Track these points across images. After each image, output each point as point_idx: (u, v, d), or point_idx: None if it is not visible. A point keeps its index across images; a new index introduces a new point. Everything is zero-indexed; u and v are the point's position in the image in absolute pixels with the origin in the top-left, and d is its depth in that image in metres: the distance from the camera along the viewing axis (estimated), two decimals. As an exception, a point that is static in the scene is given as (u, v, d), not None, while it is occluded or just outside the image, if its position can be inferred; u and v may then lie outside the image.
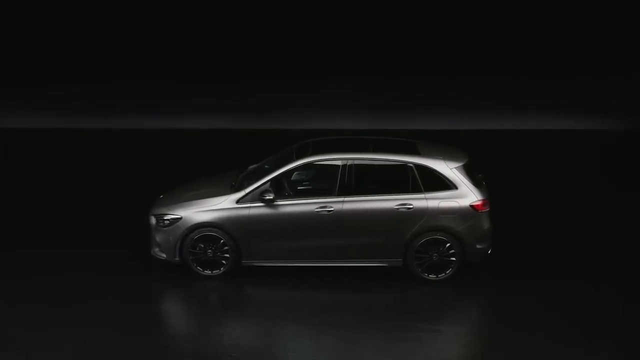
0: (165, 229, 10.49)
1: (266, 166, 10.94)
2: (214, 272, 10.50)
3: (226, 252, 10.42)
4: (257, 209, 10.31)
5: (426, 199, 10.25)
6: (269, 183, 10.36)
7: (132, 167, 16.10)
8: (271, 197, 10.21)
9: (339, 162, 10.34)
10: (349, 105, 19.39)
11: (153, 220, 10.69)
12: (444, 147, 11.11)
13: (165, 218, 10.51)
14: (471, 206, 10.25)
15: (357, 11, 19.26)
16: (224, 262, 10.46)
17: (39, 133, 18.73)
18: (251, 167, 11.42)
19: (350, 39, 19.36)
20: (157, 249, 10.69)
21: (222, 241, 10.37)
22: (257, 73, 19.66)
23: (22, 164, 16.44)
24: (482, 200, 10.33)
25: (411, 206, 10.22)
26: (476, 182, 10.48)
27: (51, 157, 16.99)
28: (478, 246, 10.35)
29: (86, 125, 19.22)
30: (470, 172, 10.56)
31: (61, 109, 19.82)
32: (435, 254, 10.31)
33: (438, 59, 19.39)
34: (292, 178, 10.80)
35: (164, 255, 10.60)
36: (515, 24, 19.23)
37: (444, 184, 10.31)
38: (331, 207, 10.23)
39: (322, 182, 10.65)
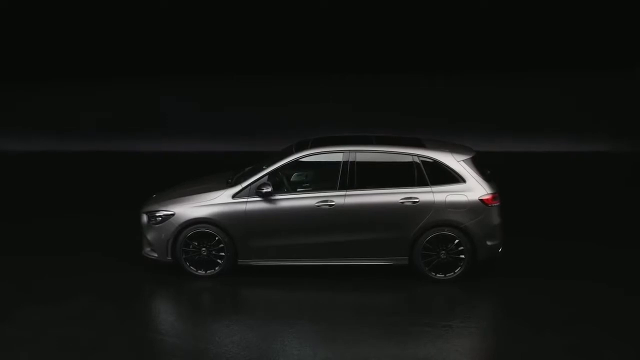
0: (157, 226, 9.68)
1: (264, 167, 10.12)
2: (208, 272, 9.67)
3: (221, 250, 9.59)
4: (254, 204, 9.51)
5: (433, 192, 9.48)
6: (267, 176, 9.56)
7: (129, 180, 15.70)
8: (269, 190, 9.42)
9: (340, 155, 9.60)
10: (348, 114, 18.70)
11: (144, 218, 9.88)
12: (450, 143, 10.41)
13: (157, 214, 9.70)
14: (480, 200, 9.50)
15: (357, 11, 18.66)
16: (219, 261, 9.63)
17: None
18: (248, 168, 10.59)
19: (350, 39, 18.80)
20: (148, 249, 9.87)
21: (217, 238, 9.54)
22: (257, 73, 19.09)
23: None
24: (492, 193, 9.55)
25: (417, 200, 9.43)
26: (485, 176, 9.71)
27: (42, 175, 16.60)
28: (489, 243, 9.56)
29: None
30: (479, 165, 9.80)
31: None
32: (443, 252, 9.49)
33: (437, 59, 18.80)
34: (292, 179, 9.99)
35: (156, 255, 9.78)
36: (515, 24, 18.59)
37: (451, 177, 9.58)
38: (332, 201, 9.43)
39: (323, 176, 9.86)
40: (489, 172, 9.99)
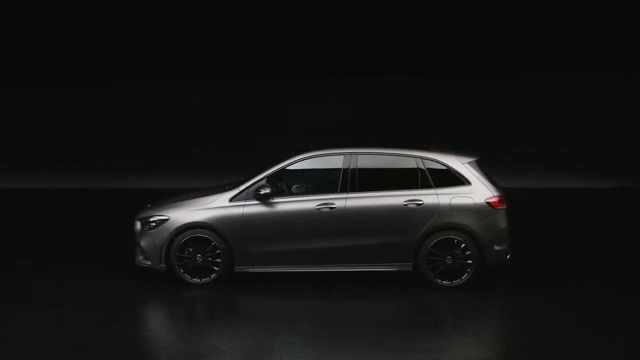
0: (150, 231, 8.96)
1: (263, 170, 9.35)
2: (203, 280, 8.93)
3: (217, 256, 8.85)
4: (252, 207, 8.78)
5: (437, 194, 8.80)
6: (265, 179, 8.83)
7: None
8: (267, 192, 8.69)
9: (341, 157, 8.92)
10: (348, 114, 17.93)
11: (138, 225, 9.16)
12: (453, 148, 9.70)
13: (151, 220, 8.97)
14: (487, 202, 8.79)
15: (357, 11, 17.95)
16: (215, 268, 8.90)
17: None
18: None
19: (350, 39, 18.11)
20: (141, 257, 9.14)
21: (213, 244, 8.81)
22: (257, 73, 18.43)
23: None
24: (499, 196, 8.83)
25: (421, 202, 8.73)
26: (491, 180, 9.03)
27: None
28: (496, 248, 8.86)
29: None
30: (484, 168, 9.10)
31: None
32: (449, 257, 8.76)
33: (437, 59, 18.09)
34: (293, 189, 9.24)
35: (149, 263, 9.06)
36: (515, 24, 17.87)
37: (456, 179, 8.91)
38: (333, 204, 8.71)
39: (323, 178, 9.14)
40: (494, 179, 9.29)
